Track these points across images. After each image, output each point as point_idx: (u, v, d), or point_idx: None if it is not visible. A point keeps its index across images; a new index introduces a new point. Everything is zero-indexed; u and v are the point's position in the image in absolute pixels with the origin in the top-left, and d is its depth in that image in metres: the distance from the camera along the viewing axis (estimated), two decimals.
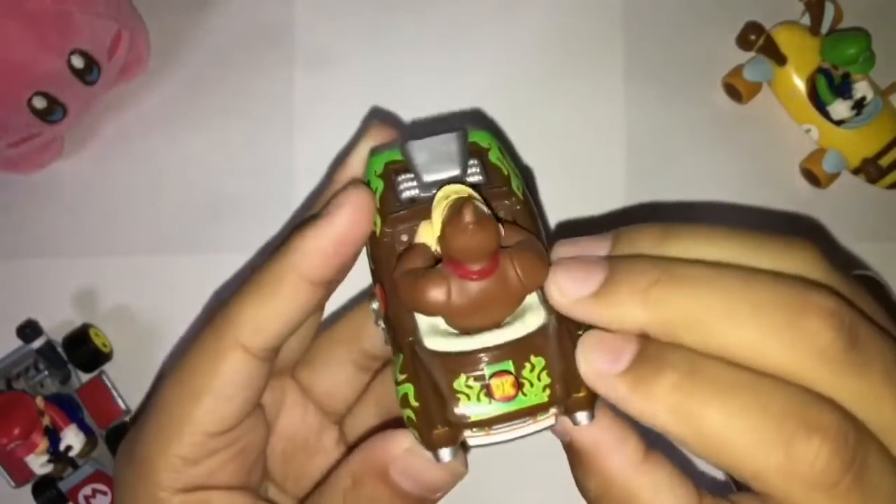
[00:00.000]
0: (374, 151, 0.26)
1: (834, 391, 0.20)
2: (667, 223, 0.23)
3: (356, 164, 0.27)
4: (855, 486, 0.19)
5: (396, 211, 0.24)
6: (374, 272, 0.25)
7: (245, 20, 0.47)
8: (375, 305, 0.26)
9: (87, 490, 0.41)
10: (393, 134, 0.27)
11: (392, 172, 0.25)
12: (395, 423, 0.30)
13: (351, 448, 0.32)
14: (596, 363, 0.22)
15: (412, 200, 0.24)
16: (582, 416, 0.22)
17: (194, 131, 0.46)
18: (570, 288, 0.22)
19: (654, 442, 0.23)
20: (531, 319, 0.23)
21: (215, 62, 0.46)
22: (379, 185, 0.25)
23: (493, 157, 0.25)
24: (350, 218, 0.25)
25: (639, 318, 0.21)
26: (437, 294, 0.22)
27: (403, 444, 0.24)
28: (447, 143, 0.25)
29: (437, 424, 0.22)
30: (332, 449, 0.32)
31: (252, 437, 0.28)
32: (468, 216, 0.21)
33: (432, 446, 0.22)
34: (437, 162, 0.24)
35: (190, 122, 0.46)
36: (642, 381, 0.21)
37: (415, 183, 0.24)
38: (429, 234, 0.24)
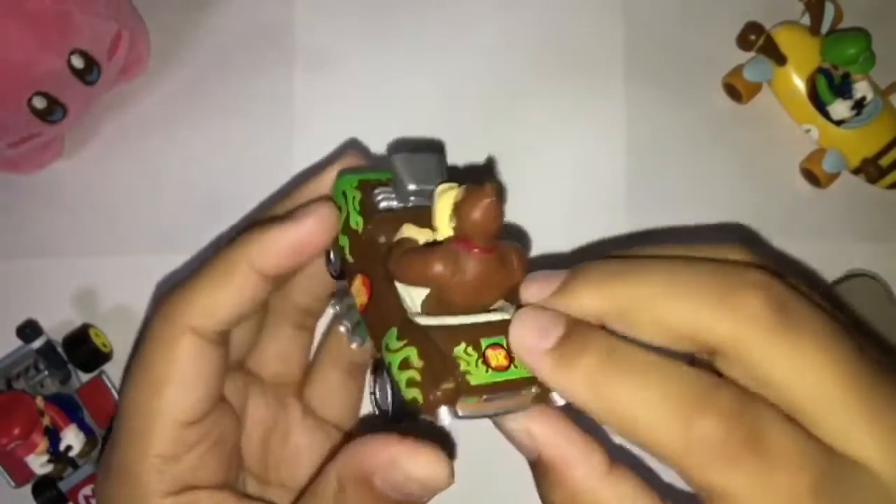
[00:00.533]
0: (342, 173, 0.28)
1: (765, 358, 0.21)
2: (610, 263, 0.24)
3: (326, 181, 0.29)
4: (754, 456, 0.21)
5: (377, 214, 0.27)
6: (349, 267, 0.27)
7: (245, 20, 0.47)
8: (344, 302, 0.28)
9: (87, 490, 0.41)
10: (363, 163, 0.29)
11: (367, 187, 0.27)
12: (358, 376, 0.33)
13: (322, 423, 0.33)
14: (526, 338, 0.23)
15: (389, 209, 0.27)
16: (556, 395, 0.24)
17: (194, 131, 0.46)
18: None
19: (619, 456, 0.24)
20: (512, 309, 0.25)
21: (215, 62, 0.46)
22: (356, 194, 0.27)
23: None
24: (315, 226, 0.27)
25: (590, 306, 0.23)
26: (444, 264, 0.23)
27: (385, 455, 0.25)
28: (428, 160, 0.27)
29: (444, 380, 0.23)
30: (300, 424, 0.33)
31: (223, 428, 0.28)
32: (490, 191, 0.23)
33: (436, 403, 0.23)
34: (419, 174, 0.27)
35: (190, 122, 0.46)
36: (565, 359, 0.23)
37: (392, 195, 0.27)
38: (413, 232, 0.25)
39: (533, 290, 0.24)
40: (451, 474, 0.25)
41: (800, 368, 0.21)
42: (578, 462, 0.24)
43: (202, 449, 0.27)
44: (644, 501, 0.24)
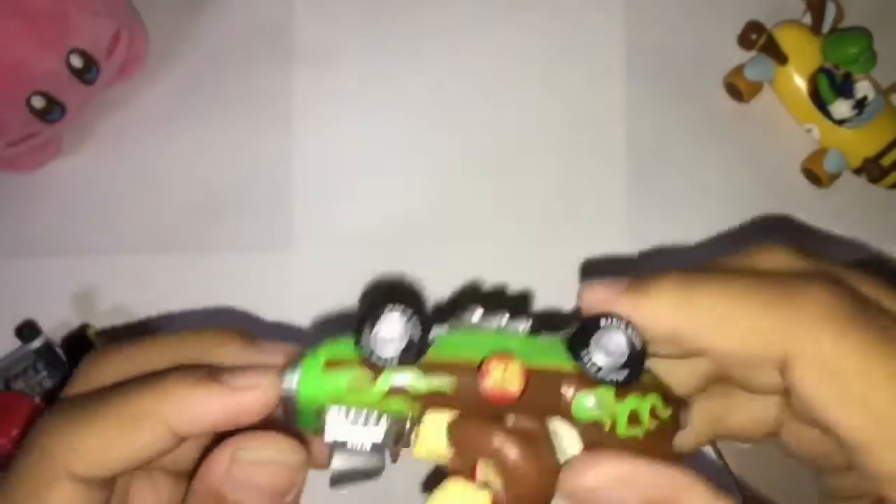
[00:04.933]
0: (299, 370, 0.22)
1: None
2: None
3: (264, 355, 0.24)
4: (866, 317, 0.21)
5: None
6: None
7: (244, 19, 0.46)
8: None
9: None
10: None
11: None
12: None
13: None
14: (597, 289, 0.23)
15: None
16: None
17: (193, 130, 0.46)
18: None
19: None
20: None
21: (214, 61, 0.46)
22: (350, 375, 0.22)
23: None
24: (255, 403, 0.22)
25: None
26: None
27: (225, 455, 0.22)
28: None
29: None
30: None
31: None
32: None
33: None
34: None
35: (189, 121, 0.46)
36: (642, 285, 0.22)
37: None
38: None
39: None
40: (300, 450, 0.22)
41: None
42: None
43: None
44: None
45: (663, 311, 0.22)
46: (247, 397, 0.22)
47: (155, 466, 0.24)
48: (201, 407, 0.22)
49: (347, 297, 0.41)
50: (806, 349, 0.21)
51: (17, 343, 0.41)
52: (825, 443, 0.23)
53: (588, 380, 0.22)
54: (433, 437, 0.22)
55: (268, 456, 0.22)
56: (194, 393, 0.22)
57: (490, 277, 0.43)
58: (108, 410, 0.22)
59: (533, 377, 0.22)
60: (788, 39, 0.44)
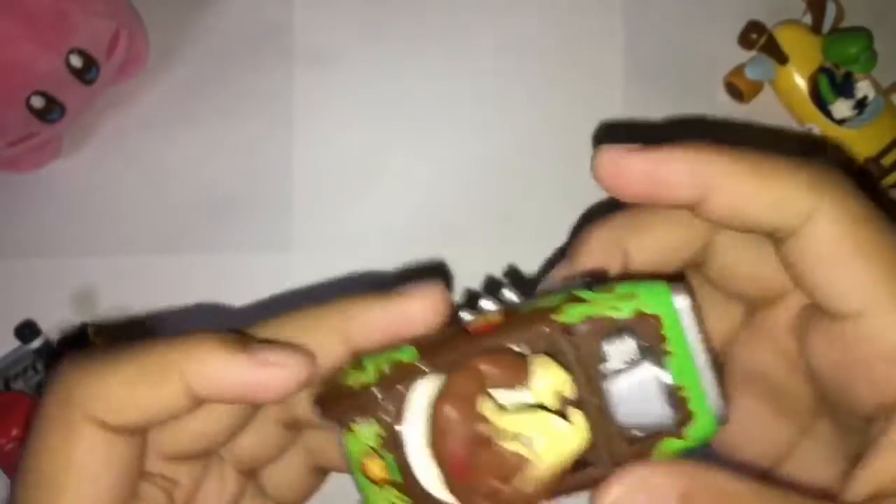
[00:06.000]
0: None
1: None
2: None
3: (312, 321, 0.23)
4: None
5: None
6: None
7: (244, 19, 0.46)
8: None
9: None
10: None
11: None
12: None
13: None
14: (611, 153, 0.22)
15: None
16: None
17: (193, 130, 0.46)
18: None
19: None
20: None
21: (215, 61, 0.46)
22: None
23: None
24: (281, 380, 0.21)
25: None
26: None
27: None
28: None
29: None
30: None
31: None
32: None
33: None
34: None
35: (189, 121, 0.46)
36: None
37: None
38: None
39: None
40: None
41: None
42: None
43: None
44: None
45: (684, 168, 0.22)
46: (271, 374, 0.21)
47: (220, 458, 0.24)
48: (223, 371, 0.21)
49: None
50: (825, 209, 0.21)
51: (16, 343, 0.41)
52: (756, 281, 0.24)
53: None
54: None
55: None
56: (218, 355, 0.21)
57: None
58: (130, 359, 0.21)
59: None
60: (789, 39, 0.44)
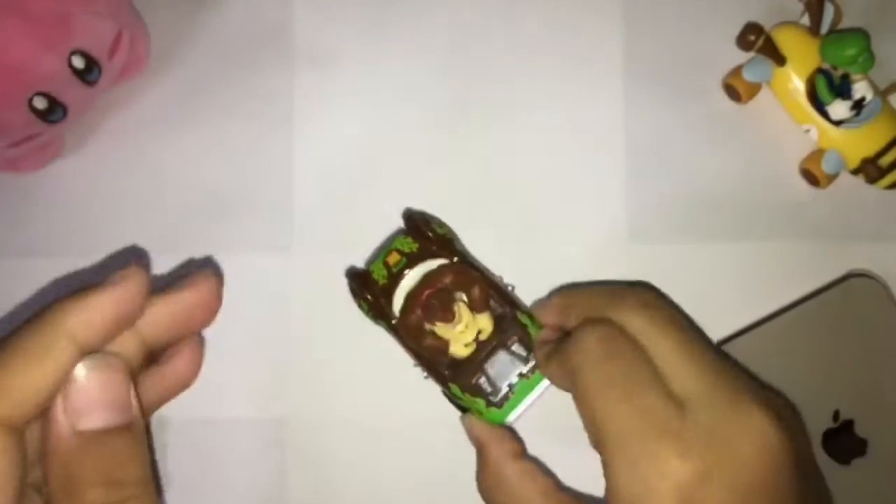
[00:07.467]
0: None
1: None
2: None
3: None
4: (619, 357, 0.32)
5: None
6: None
7: (245, 20, 0.47)
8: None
9: None
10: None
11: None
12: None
13: None
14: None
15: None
16: None
17: (194, 131, 0.46)
18: None
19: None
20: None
21: (215, 62, 0.46)
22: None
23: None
24: (134, 289, 0.26)
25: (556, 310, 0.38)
26: None
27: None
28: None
29: None
30: None
31: None
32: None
33: None
34: None
35: (190, 122, 0.46)
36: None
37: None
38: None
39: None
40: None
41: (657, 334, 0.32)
42: (494, 444, 0.36)
43: None
44: (541, 479, 0.34)
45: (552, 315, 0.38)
46: (123, 287, 0.25)
47: None
48: (99, 309, 0.24)
49: (348, 297, 0.42)
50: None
51: None
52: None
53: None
54: None
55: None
56: (89, 299, 0.25)
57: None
58: (21, 344, 0.23)
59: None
60: (787, 40, 0.44)
